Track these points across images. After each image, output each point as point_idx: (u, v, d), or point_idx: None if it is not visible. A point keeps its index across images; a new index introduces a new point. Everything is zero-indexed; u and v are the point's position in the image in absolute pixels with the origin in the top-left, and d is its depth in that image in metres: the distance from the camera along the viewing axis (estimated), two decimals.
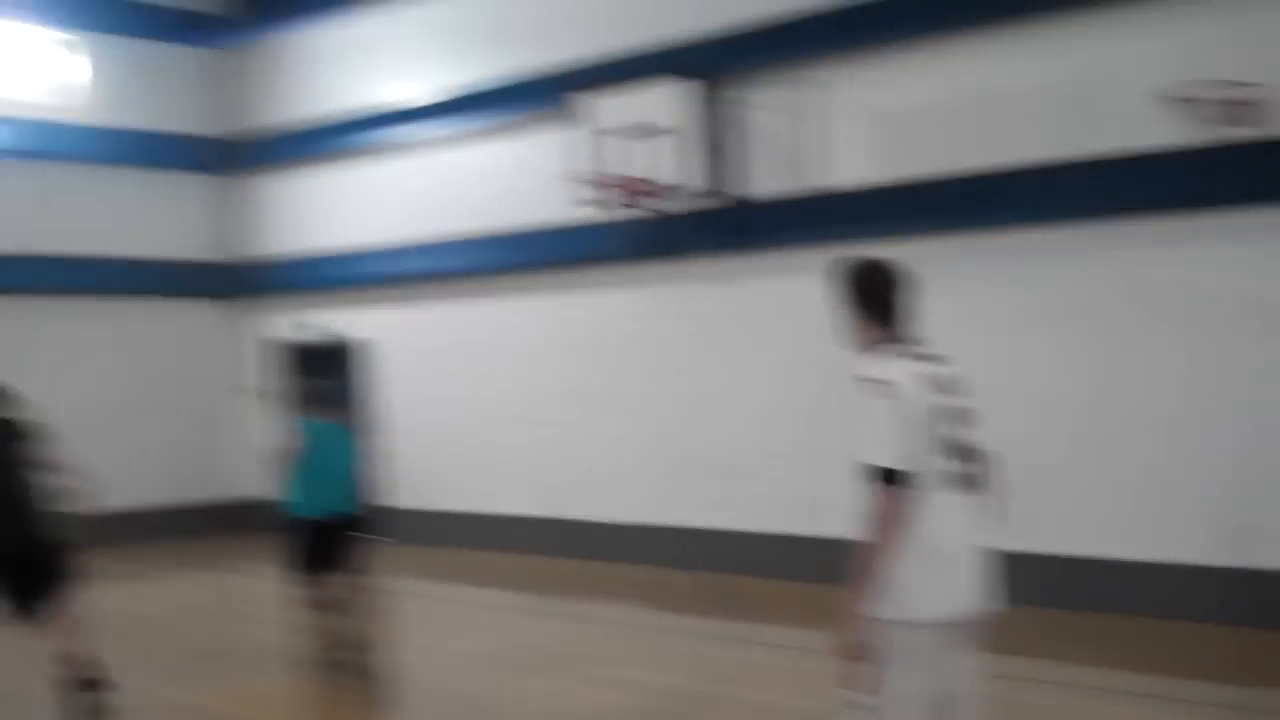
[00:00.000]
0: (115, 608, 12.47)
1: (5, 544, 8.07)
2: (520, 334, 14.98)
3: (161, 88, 17.59)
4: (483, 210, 15.10)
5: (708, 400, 13.25)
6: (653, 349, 13.73)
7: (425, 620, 11.71)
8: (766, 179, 12.64)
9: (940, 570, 4.58)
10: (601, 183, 12.85)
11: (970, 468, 4.71)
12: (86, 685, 7.92)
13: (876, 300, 4.86)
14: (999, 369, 10.03)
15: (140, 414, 17.07)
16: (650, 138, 12.55)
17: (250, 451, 17.52)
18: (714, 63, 12.69)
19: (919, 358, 4.76)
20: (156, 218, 17.61)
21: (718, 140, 12.70)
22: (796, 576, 11.90)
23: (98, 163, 16.97)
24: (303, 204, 17.50)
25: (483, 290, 15.38)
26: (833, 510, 11.83)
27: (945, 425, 4.64)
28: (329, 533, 9.41)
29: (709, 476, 13.14)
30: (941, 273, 11.25)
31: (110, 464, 16.22)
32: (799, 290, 12.36)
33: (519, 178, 14.77)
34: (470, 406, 15.38)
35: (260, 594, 12.86)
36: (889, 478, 4.49)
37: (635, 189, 12.69)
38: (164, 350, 17.56)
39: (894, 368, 4.67)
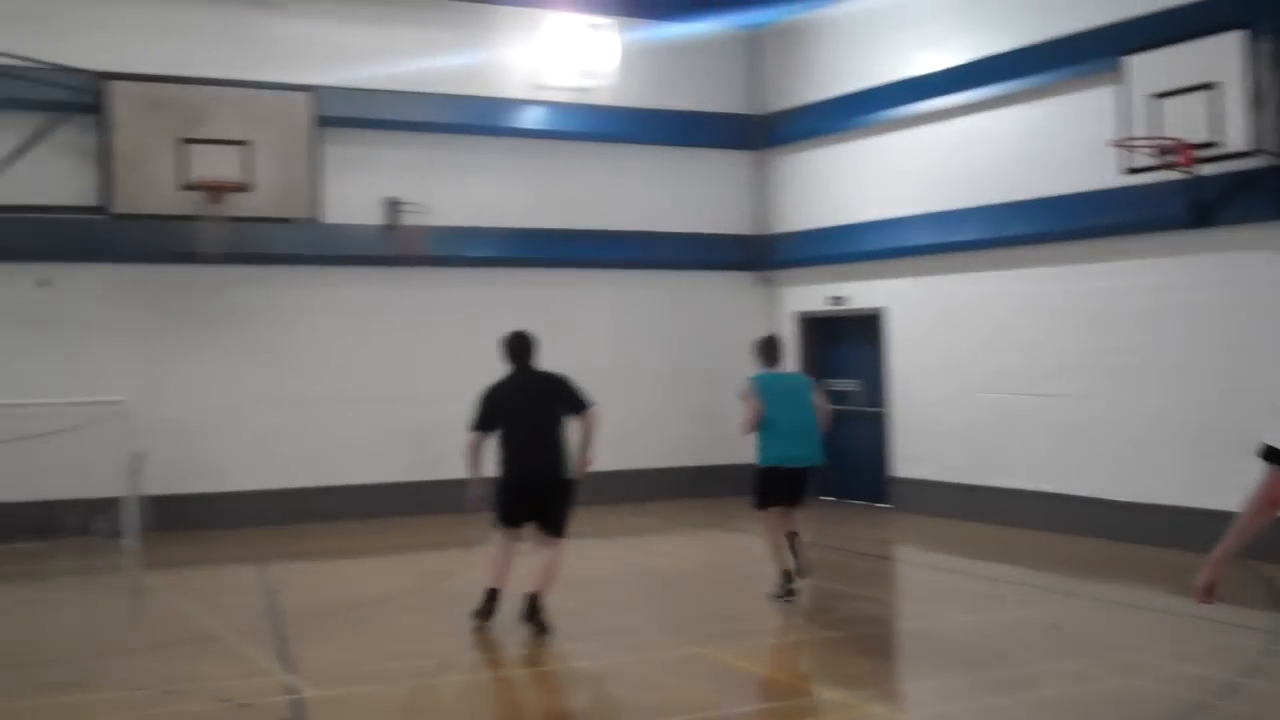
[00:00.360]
0: (639, 559, 13.24)
1: (542, 479, 9.79)
2: (1036, 304, 14.49)
3: (694, 69, 18.32)
4: (1006, 178, 14.72)
5: (1247, 377, 12.30)
6: (1183, 321, 12.91)
7: (928, 590, 11.61)
8: None
9: None
10: (1145, 146, 12.27)
11: None
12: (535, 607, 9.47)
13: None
14: None
15: (675, 379, 17.91)
16: (1201, 94, 11.89)
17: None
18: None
19: None
20: (695, 194, 18.38)
21: (1269, 97, 11.76)
22: None
23: (641, 142, 17.91)
24: (828, 177, 17.71)
25: (999, 260, 14.97)
26: None
27: None
28: (789, 478, 10.73)
29: (1247, 462, 12.18)
30: None
31: (645, 424, 17.57)
32: None
33: (1044, 143, 14.32)
34: (979, 378, 15.05)
35: (763, 553, 13.24)
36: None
37: (1179, 151, 12.02)
38: (700, 320, 18.33)
39: None
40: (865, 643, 9.46)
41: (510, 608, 9.46)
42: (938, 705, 7.86)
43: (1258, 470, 12.45)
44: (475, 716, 7.48)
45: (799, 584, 10.69)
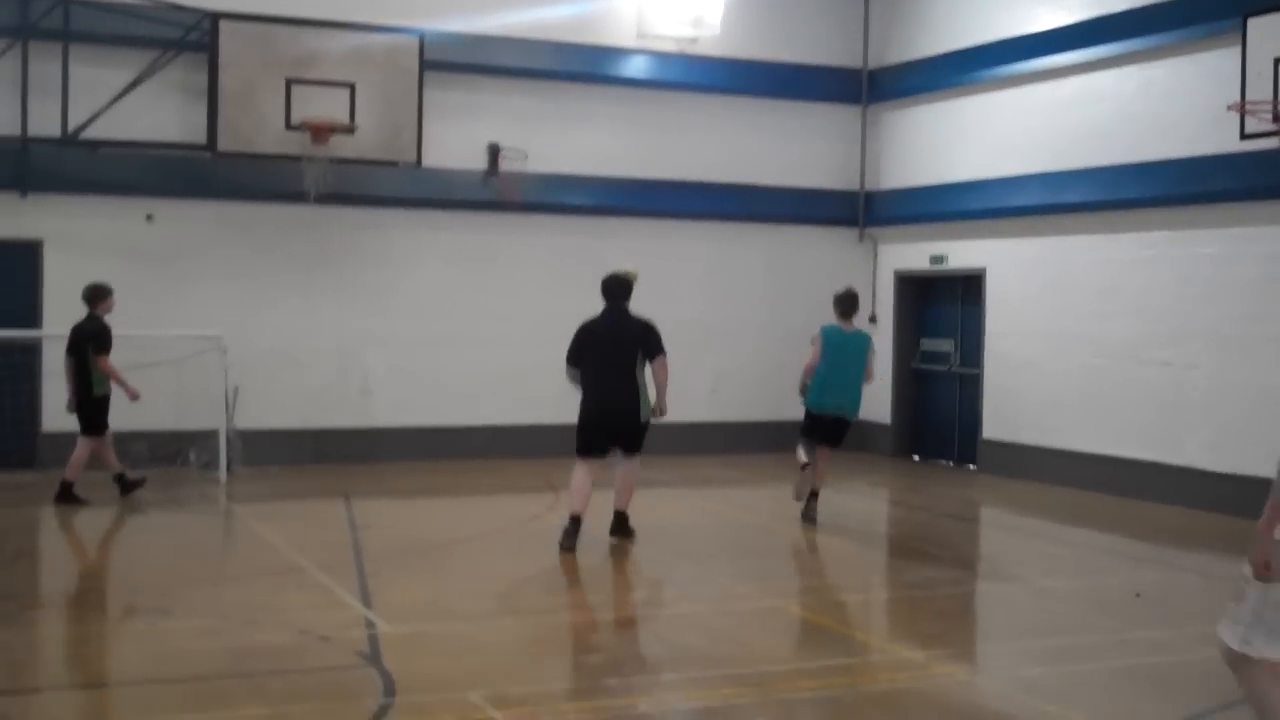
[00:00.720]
0: (725, 511, 13.23)
1: (617, 415, 10.68)
2: (1141, 270, 14.16)
3: (801, 21, 18.05)
4: (1119, 139, 14.40)
5: None
6: None
7: (1011, 553, 11.46)
8: None
9: None
10: (1264, 110, 11.91)
11: None
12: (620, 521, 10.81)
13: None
14: None
15: (770, 334, 17.80)
16: None
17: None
18: None
19: None
20: (797, 148, 18.18)
21: None
22: None
23: (745, 94, 17.71)
24: (934, 134, 17.44)
25: (1106, 224, 14.65)
26: None
27: None
28: (828, 423, 12.02)
29: None
30: None
31: (738, 377, 17.53)
32: None
33: (1161, 105, 13.99)
34: (1077, 342, 14.75)
35: (848, 510, 13.18)
36: None
37: None
38: (797, 276, 18.16)
39: None
40: (944, 603, 9.38)
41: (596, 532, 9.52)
42: (1015, 669, 7.75)
43: None
44: (546, 659, 7.53)
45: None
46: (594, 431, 10.67)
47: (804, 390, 12.16)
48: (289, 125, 14.50)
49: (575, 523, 10.38)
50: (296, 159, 14.60)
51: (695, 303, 17.39)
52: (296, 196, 14.86)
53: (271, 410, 15.32)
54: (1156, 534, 12.26)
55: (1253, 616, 5.23)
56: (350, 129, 14.64)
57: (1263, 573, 5.26)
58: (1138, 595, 9.57)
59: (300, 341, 15.64)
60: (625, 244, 16.83)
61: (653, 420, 10.79)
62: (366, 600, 8.77)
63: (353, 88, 14.74)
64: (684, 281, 17.34)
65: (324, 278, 15.77)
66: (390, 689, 6.77)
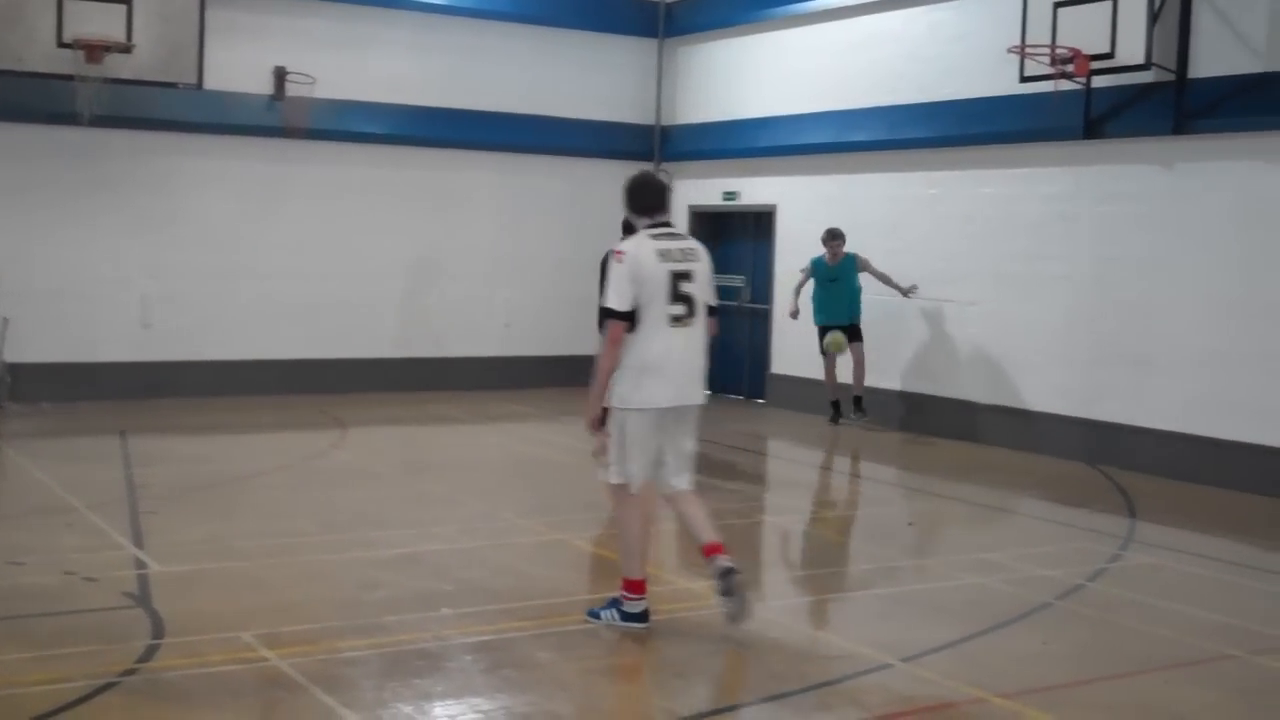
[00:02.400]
0: (515, 446, 13.20)
1: None
2: (928, 209, 14.54)
3: None
4: (908, 80, 14.69)
5: (1121, 290, 12.46)
6: (1068, 232, 13.02)
7: (793, 485, 11.69)
8: (1215, 55, 11.67)
9: (661, 375, 6.68)
10: (1043, 54, 12.26)
11: (686, 310, 6.74)
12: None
13: (640, 200, 6.94)
14: None
15: (564, 267, 17.74)
16: (1102, 4, 11.92)
17: None
18: None
19: (662, 237, 6.80)
20: (593, 80, 18.07)
21: (1166, 11, 11.78)
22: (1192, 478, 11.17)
23: (539, 23, 17.49)
24: (728, 70, 17.53)
25: (894, 163, 14.97)
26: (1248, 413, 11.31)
27: (671, 283, 6.68)
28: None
29: (1119, 370, 12.46)
30: None
31: (531, 311, 17.46)
32: (1242, 177, 11.49)
33: (949, 46, 14.31)
34: (864, 280, 14.96)
35: None
36: (614, 315, 6.66)
37: (1076, 61, 12.03)
38: (592, 209, 18.08)
39: (634, 244, 6.75)
40: (726, 534, 9.47)
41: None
42: (790, 597, 7.93)
43: (1124, 378, 12.55)
44: (323, 597, 7.40)
45: None
46: None
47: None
48: (60, 42, 13.71)
49: None
50: (69, 78, 13.85)
51: (489, 235, 17.24)
52: (70, 118, 14.13)
53: (44, 344, 14.64)
54: (930, 466, 12.66)
55: (615, 455, 6.83)
56: (127, 47, 13.93)
57: (595, 429, 6.98)
58: (910, 524, 9.88)
59: (75, 272, 14.95)
60: (419, 174, 16.58)
61: None
62: (139, 540, 8.49)
63: (129, 3, 13.97)
64: (478, 214, 17.16)
65: (100, 204, 15.08)
66: (159, 630, 6.58)
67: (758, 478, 12.11)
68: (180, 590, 7.36)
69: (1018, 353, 13.53)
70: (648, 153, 18.40)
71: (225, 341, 15.74)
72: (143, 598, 7.17)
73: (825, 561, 9.08)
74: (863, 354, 14.53)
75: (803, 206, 16.18)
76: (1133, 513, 10.44)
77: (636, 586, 6.85)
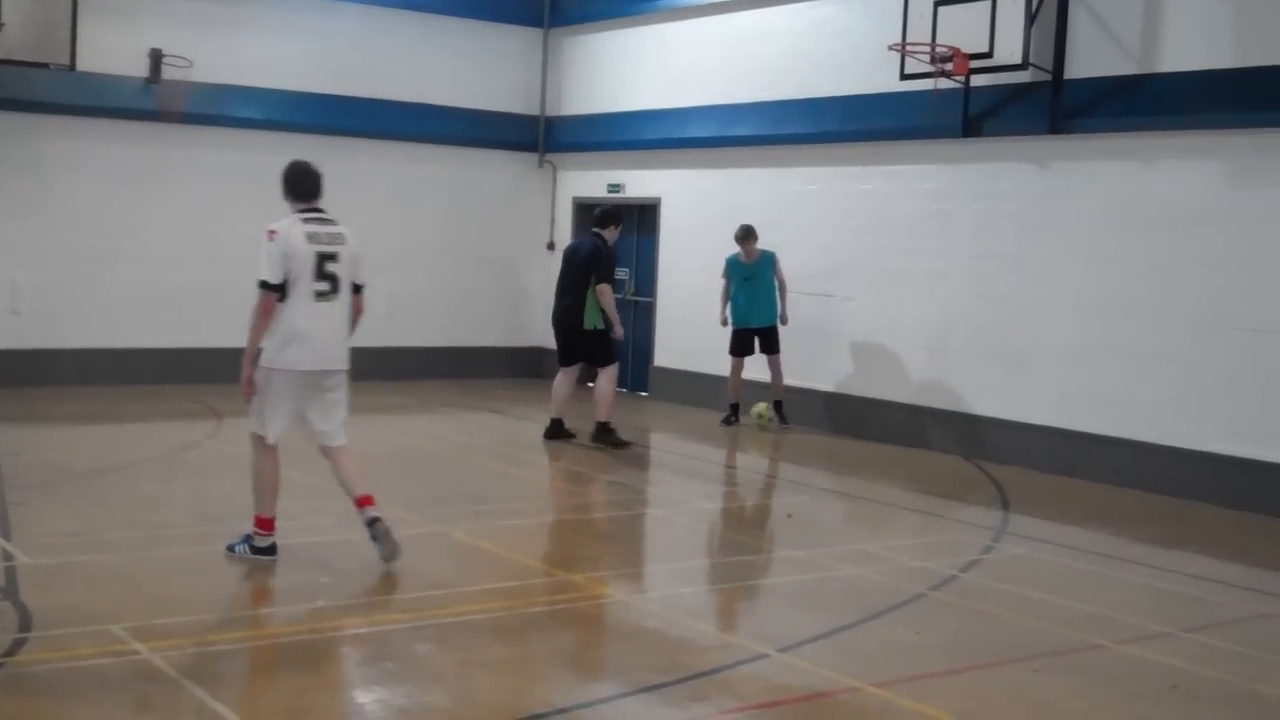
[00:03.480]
0: (395, 439, 13.09)
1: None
2: (809, 204, 14.69)
3: None
4: (791, 75, 14.81)
5: (995, 286, 12.72)
6: (944, 229, 13.25)
7: (675, 477, 11.75)
8: (1090, 56, 11.94)
9: (305, 343, 7.54)
10: (923, 52, 12.44)
11: (330, 287, 7.64)
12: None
13: (298, 188, 7.84)
14: None
15: (444, 257, 17.65)
16: (981, 4, 12.12)
17: (542, 301, 18.06)
18: None
19: (312, 221, 7.70)
20: (478, 69, 17.95)
21: (1043, 12, 12.02)
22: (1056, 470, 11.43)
23: (423, 10, 17.34)
24: (613, 62, 17.53)
25: (777, 158, 15.10)
26: (1128, 409, 11.61)
27: (317, 262, 7.57)
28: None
29: (993, 365, 12.71)
30: (1272, 166, 10.62)
31: (413, 302, 17.30)
32: (1116, 178, 11.77)
33: (832, 43, 14.44)
34: None
35: (521, 436, 13.25)
36: (267, 288, 7.48)
37: (955, 60, 12.23)
38: (476, 200, 18.03)
39: (286, 226, 7.61)
40: (607, 526, 9.55)
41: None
42: (669, 588, 7.96)
43: (998, 374, 12.70)
44: (196, 590, 7.27)
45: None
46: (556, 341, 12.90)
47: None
48: None
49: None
50: None
51: (372, 224, 16.85)
52: None
53: None
54: (810, 459, 12.79)
55: (257, 408, 7.69)
56: None
57: (247, 389, 7.65)
58: (789, 516, 9.97)
59: None
60: None
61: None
62: (6, 532, 8.25)
63: None
64: (360, 202, 16.79)
65: None
66: (27, 623, 6.40)
67: (640, 470, 12.14)
68: (49, 583, 7.18)
69: (895, 348, 13.73)
70: (532, 143, 18.35)
71: (98, 329, 15.37)
72: (9, 590, 6.97)
73: (704, 553, 9.13)
74: (779, 361, 14.26)
75: (687, 200, 16.26)
76: (1006, 505, 10.66)
77: (266, 524, 7.76)
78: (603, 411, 12.48)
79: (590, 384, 13.01)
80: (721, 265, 14.52)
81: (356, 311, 7.97)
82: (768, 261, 14.20)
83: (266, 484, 7.79)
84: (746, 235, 14.17)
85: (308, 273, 7.56)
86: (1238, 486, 10.78)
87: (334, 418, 7.88)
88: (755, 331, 14.25)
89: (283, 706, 5.46)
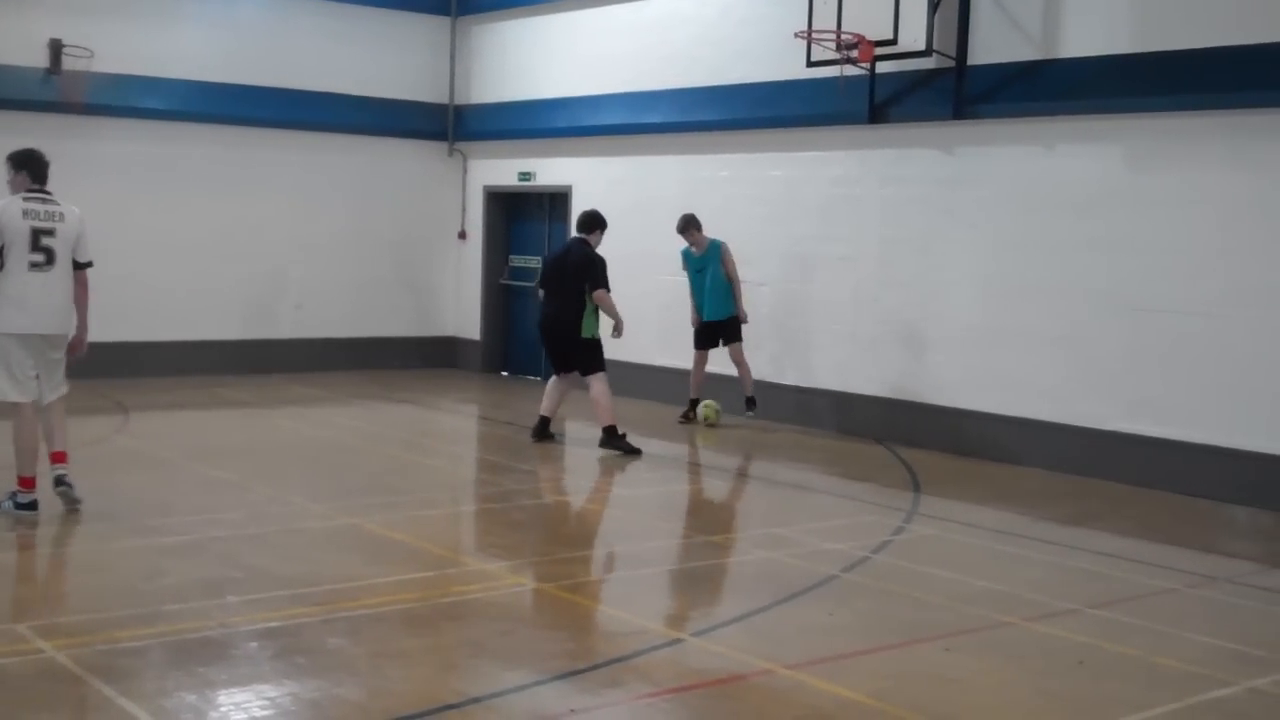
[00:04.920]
0: (306, 430, 12.97)
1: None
2: (720, 191, 14.74)
3: None
4: (701, 62, 14.86)
5: (903, 269, 12.86)
6: (852, 214, 13.36)
7: (587, 465, 11.76)
8: (993, 43, 12.11)
9: (20, 308, 8.30)
10: (828, 39, 12.52)
11: (45, 259, 8.39)
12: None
13: (23, 169, 8.66)
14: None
15: (354, 247, 17.51)
16: None
17: (453, 291, 17.99)
18: None
19: (32, 200, 8.49)
20: (386, 58, 17.80)
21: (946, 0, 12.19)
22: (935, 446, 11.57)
23: None
24: (523, 49, 17.47)
25: (687, 145, 15.15)
26: (1013, 387, 11.79)
27: (32, 236, 8.36)
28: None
29: (902, 348, 12.86)
30: (1169, 150, 10.84)
31: (323, 293, 17.14)
32: (1018, 162, 11.93)
33: (740, 30, 14.52)
34: (658, 261, 15.03)
35: (435, 427, 13.21)
36: None
37: (860, 47, 12.33)
38: (386, 189, 17.88)
39: (6, 204, 8.42)
40: (521, 515, 9.52)
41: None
42: (583, 575, 7.97)
43: (906, 356, 12.83)
44: (102, 586, 7.15)
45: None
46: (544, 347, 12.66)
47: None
48: None
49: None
50: None
51: (280, 215, 16.86)
52: None
53: None
54: (724, 445, 12.86)
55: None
56: None
57: None
58: (705, 502, 10.02)
59: None
60: (205, 152, 16.12)
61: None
62: None
63: None
64: (268, 193, 16.76)
65: None
66: None
67: (554, 458, 12.12)
68: None
69: (806, 332, 13.85)
70: (442, 132, 18.24)
71: None
72: None
73: (618, 539, 9.15)
74: (741, 352, 13.70)
75: (598, 187, 16.22)
76: (916, 487, 10.79)
77: (28, 483, 8.46)
78: (605, 416, 12.05)
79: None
80: (636, 253, 14.53)
81: (81, 288, 8.66)
82: (715, 251, 13.72)
83: (25, 445, 8.44)
84: (686, 225, 13.67)
85: (21, 244, 8.32)
86: (1139, 463, 11.01)
87: (54, 378, 8.60)
88: (713, 325, 13.79)
89: (191, 703, 5.39)
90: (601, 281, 12.01)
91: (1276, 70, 10.25)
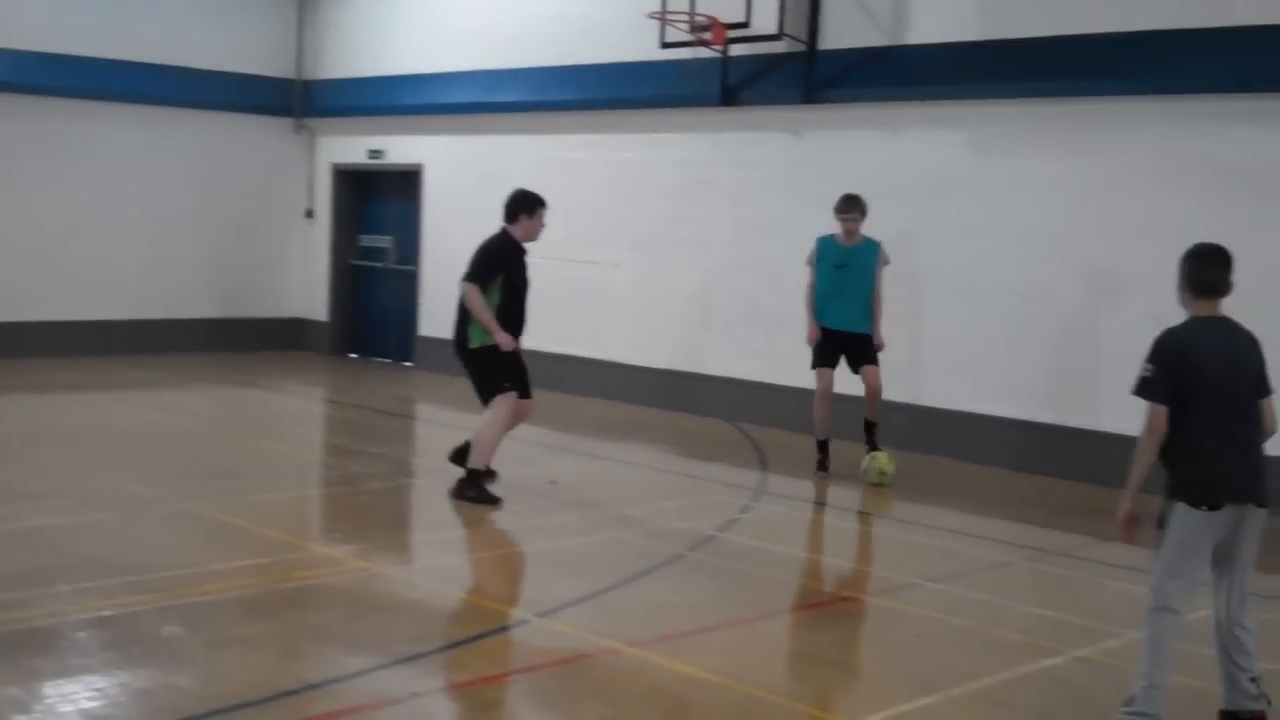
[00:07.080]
0: (145, 415, 12.63)
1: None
2: (572, 171, 14.62)
3: None
4: (553, 42, 14.76)
5: (755, 252, 12.96)
6: (703, 196, 13.42)
7: (438, 447, 11.66)
8: (843, 28, 12.23)
9: None
10: (681, 21, 12.52)
11: None
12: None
13: None
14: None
15: (197, 226, 17.04)
16: None
17: (301, 271, 17.67)
18: None
19: None
20: (231, 30, 17.32)
21: None
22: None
23: None
24: (372, 25, 17.16)
25: (539, 124, 15.04)
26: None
27: None
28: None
29: (753, 330, 12.95)
30: (1012, 136, 11.07)
31: (164, 272, 16.68)
32: (867, 146, 12.07)
33: (593, 9, 14.44)
34: None
35: (280, 410, 12.96)
36: None
37: (713, 29, 12.36)
38: (231, 166, 17.43)
39: None
40: (366, 499, 9.38)
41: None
42: (428, 559, 7.89)
43: (757, 337, 13.02)
44: None
45: None
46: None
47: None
48: None
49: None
50: None
51: (119, 192, 16.32)
52: None
53: None
54: (580, 425, 12.82)
55: None
56: None
57: None
58: (553, 483, 9.98)
59: None
60: (37, 126, 15.54)
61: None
62: None
63: None
64: (106, 169, 16.21)
65: None
66: None
67: (404, 441, 11.98)
68: None
69: (658, 314, 13.86)
70: (288, 107, 17.84)
71: None
72: None
73: (466, 523, 9.04)
74: (879, 377, 10.61)
75: (450, 166, 16.07)
76: (764, 466, 10.89)
77: None
78: (474, 457, 9.35)
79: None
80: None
81: None
82: (871, 252, 10.82)
83: None
84: (849, 206, 10.70)
85: None
86: (980, 440, 11.25)
87: None
88: (840, 337, 10.71)
89: (14, 695, 5.19)
90: (475, 272, 9.46)
91: (1114, 59, 10.53)
